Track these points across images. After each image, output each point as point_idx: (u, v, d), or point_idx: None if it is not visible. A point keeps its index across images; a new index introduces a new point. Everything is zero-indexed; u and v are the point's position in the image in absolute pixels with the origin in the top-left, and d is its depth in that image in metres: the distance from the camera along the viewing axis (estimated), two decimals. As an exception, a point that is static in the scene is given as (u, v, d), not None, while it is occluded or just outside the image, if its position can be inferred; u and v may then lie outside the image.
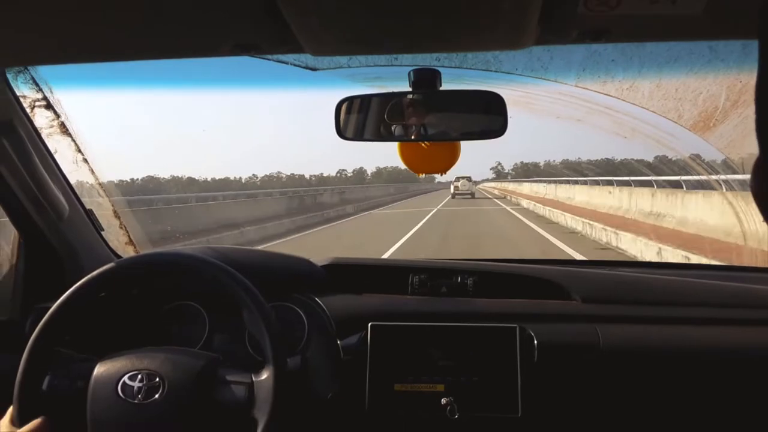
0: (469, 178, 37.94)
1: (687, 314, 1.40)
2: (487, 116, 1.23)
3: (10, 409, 1.08)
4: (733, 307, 1.41)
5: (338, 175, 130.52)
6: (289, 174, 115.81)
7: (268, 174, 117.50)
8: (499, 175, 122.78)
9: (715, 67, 1.22)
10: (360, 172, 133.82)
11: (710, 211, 9.97)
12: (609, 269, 1.70)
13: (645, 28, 0.93)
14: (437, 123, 1.27)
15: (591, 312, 1.40)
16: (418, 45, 1.04)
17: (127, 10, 0.87)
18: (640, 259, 9.28)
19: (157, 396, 1.04)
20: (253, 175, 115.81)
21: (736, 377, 1.31)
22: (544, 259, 2.01)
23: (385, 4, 0.81)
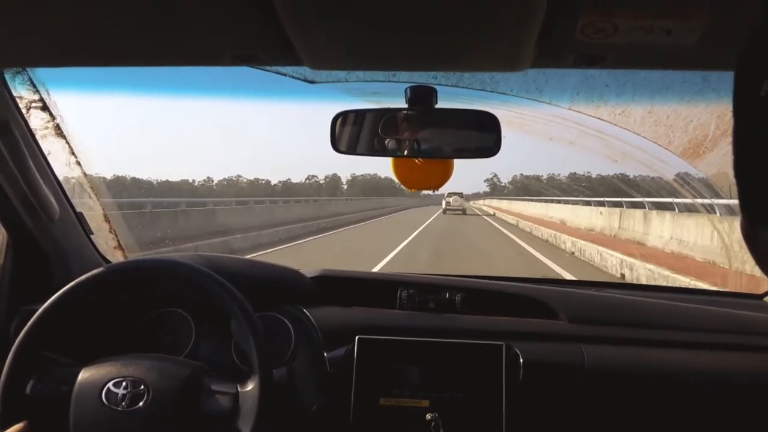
0: (460, 195, 38.22)
1: (673, 338, 1.41)
2: (481, 135, 1.24)
3: None
4: (719, 332, 1.42)
5: (307, 181, 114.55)
6: (252, 178, 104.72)
7: (227, 177, 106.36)
8: (495, 189, 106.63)
9: (706, 96, 1.24)
10: (333, 179, 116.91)
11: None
12: (597, 290, 1.71)
13: (640, 57, 0.95)
14: (431, 140, 1.28)
15: (577, 332, 1.41)
16: (416, 63, 1.06)
17: (128, 16, 0.88)
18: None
19: (141, 404, 1.04)
20: (208, 178, 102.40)
21: (720, 402, 1.31)
22: (532, 278, 2.02)
23: (386, 21, 0.83)
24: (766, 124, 0.44)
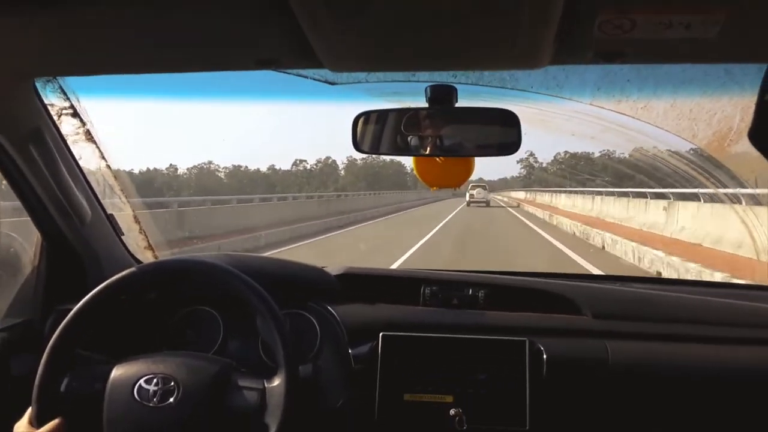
0: (484, 187, 37.83)
1: (699, 332, 1.39)
2: (501, 133, 1.25)
3: (29, 410, 1.10)
4: (745, 327, 1.40)
5: (294, 168, 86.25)
6: (231, 166, 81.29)
7: (197, 165, 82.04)
8: (531, 172, 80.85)
9: (729, 89, 1.22)
10: (327, 165, 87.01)
11: None
12: (621, 285, 1.70)
13: (659, 51, 0.94)
14: (453, 138, 1.29)
15: (601, 328, 1.40)
16: (435, 62, 1.07)
17: (153, 25, 0.91)
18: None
19: (171, 400, 1.06)
20: (171, 165, 77.59)
21: (747, 398, 1.30)
22: (555, 273, 2.01)
23: (403, 22, 0.84)
24: None
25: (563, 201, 27.63)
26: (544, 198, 35.44)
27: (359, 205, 25.66)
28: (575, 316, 1.44)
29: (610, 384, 1.32)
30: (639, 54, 0.95)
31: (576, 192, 26.20)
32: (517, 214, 25.81)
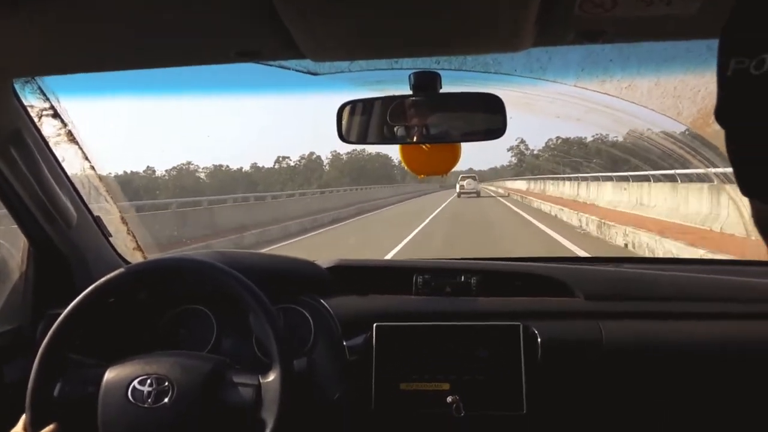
0: (474, 178, 37.93)
1: (691, 309, 1.41)
2: (487, 118, 1.25)
3: (24, 417, 1.09)
4: (738, 302, 1.42)
5: (277, 165, 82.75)
6: (211, 167, 78.31)
7: (176, 166, 77.51)
8: (522, 160, 77.05)
9: (712, 65, 1.22)
10: (311, 161, 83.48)
11: None
12: (613, 266, 1.71)
13: (641, 29, 0.94)
14: (438, 125, 1.28)
15: (594, 309, 1.41)
16: (417, 49, 1.06)
17: (132, 20, 0.89)
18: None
19: (166, 400, 1.06)
20: (149, 167, 71.06)
21: (741, 373, 1.31)
22: (547, 256, 2.02)
23: (383, 9, 0.83)
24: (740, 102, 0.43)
25: (608, 195, 16.65)
26: (563, 190, 24.74)
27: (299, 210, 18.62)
28: (568, 298, 1.45)
29: (604, 364, 1.32)
30: (620, 33, 0.95)
31: (642, 178, 14.69)
32: (531, 218, 16.97)
